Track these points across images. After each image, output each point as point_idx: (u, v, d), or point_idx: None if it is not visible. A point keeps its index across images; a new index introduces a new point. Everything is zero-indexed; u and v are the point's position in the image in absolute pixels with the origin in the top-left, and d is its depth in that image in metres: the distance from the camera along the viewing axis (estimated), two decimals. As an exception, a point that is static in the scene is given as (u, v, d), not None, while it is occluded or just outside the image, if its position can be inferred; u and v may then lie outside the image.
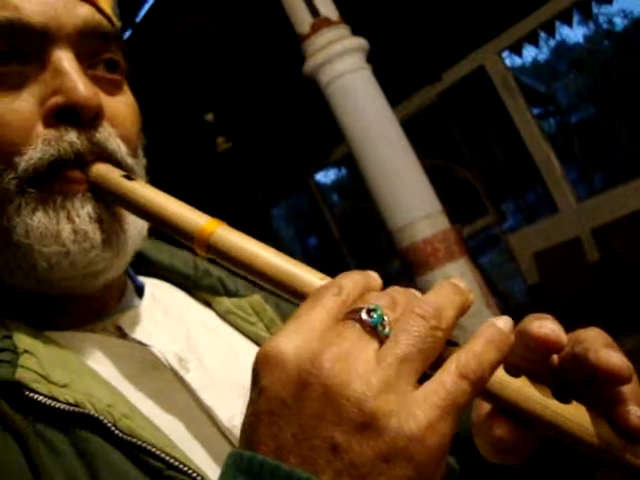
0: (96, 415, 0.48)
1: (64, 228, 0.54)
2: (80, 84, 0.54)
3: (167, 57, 5.24)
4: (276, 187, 9.30)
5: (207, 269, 0.74)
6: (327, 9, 3.73)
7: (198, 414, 0.58)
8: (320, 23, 3.69)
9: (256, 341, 0.69)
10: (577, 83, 10.30)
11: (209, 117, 6.95)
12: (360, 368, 0.36)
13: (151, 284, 0.71)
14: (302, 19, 3.73)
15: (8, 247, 0.54)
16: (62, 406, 0.48)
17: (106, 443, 0.48)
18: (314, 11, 3.69)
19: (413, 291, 0.43)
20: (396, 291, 0.42)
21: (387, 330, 0.38)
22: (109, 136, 0.57)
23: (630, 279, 5.29)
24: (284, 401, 0.37)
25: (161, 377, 0.59)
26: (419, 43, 6.40)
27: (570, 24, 6.96)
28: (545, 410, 0.41)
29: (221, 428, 0.57)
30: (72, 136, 0.54)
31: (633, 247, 5.62)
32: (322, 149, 7.95)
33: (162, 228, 0.55)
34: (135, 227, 0.60)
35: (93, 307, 0.62)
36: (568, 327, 0.45)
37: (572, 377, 0.44)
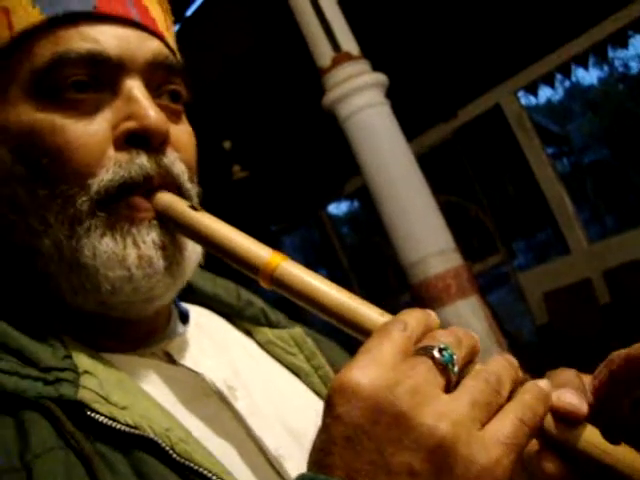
0: (155, 438, 0.50)
1: (130, 253, 0.56)
2: (151, 110, 0.57)
3: (186, 83, 5.28)
4: (289, 217, 9.34)
5: (250, 299, 0.76)
6: (348, 44, 3.79)
7: (247, 442, 0.59)
8: (341, 57, 3.74)
9: (295, 372, 0.71)
10: (591, 124, 10.36)
11: (227, 145, 7.02)
12: (435, 401, 0.39)
13: (195, 311, 0.73)
14: (323, 52, 3.78)
15: (75, 267, 0.56)
16: (122, 427, 0.50)
17: (163, 466, 0.50)
18: (335, 45, 3.74)
19: (474, 333, 0.46)
20: (460, 331, 0.45)
21: (456, 369, 0.42)
22: (174, 161, 0.60)
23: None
24: (361, 428, 0.39)
25: (211, 404, 0.61)
26: (436, 80, 6.47)
27: (586, 67, 7.02)
28: (599, 451, 0.43)
29: (268, 457, 0.59)
30: (142, 159, 0.57)
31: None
32: (336, 181, 7.99)
33: (226, 259, 0.56)
34: (193, 255, 0.61)
35: (143, 332, 0.64)
36: (579, 368, 0.48)
37: (614, 415, 0.46)
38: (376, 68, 3.86)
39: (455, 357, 0.42)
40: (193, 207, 0.58)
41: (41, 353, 0.53)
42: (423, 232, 3.68)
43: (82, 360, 0.54)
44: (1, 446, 0.47)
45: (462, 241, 5.42)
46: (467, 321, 3.60)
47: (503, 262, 7.89)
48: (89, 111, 0.56)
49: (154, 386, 0.59)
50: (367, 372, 0.40)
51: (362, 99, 3.68)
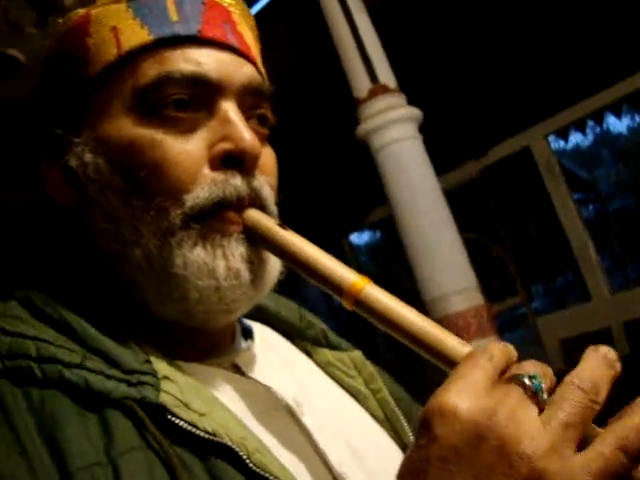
0: (233, 446, 0.51)
1: (219, 264, 0.58)
2: (246, 133, 0.59)
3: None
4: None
5: (311, 321, 0.79)
6: (386, 76, 3.82)
7: (314, 457, 0.61)
8: (378, 89, 3.78)
9: (354, 394, 0.72)
10: (619, 173, 10.32)
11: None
12: (529, 428, 0.40)
13: (258, 328, 0.75)
14: (361, 83, 3.82)
15: (164, 277, 0.59)
16: (201, 434, 0.52)
17: (239, 474, 0.51)
18: (373, 77, 3.77)
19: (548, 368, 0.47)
20: (538, 363, 0.47)
21: (545, 396, 0.43)
22: (263, 184, 0.62)
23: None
24: (458, 450, 0.40)
25: (281, 418, 0.63)
26: (469, 118, 6.49)
27: (619, 115, 7.02)
28: None
29: (333, 473, 0.60)
30: (237, 180, 0.60)
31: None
32: (359, 211, 8.01)
33: (310, 277, 0.58)
34: (274, 271, 0.64)
35: (214, 343, 0.67)
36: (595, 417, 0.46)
37: None
38: (411, 101, 3.88)
39: (543, 385, 0.44)
40: (281, 225, 0.61)
41: (123, 356, 0.55)
42: (446, 268, 3.67)
43: (161, 366, 0.57)
44: (89, 441, 0.49)
45: (482, 280, 5.40)
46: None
47: (522, 304, 7.81)
48: (187, 129, 0.59)
49: (227, 396, 0.61)
50: (464, 397, 0.42)
51: (396, 132, 3.71)
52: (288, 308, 0.79)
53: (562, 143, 7.51)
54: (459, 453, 0.40)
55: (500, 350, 0.47)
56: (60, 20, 0.63)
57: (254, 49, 0.66)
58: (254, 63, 0.65)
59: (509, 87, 6.14)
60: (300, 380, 0.69)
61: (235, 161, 0.59)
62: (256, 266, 0.60)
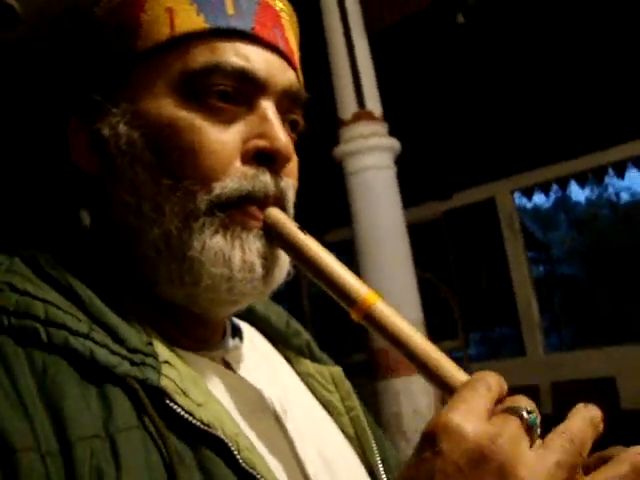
0: (226, 440, 0.52)
1: (235, 255, 0.59)
2: (282, 134, 0.61)
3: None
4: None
5: (298, 329, 0.79)
6: (373, 103, 3.88)
7: (293, 464, 0.62)
8: (363, 114, 3.83)
9: (329, 408, 0.73)
10: (573, 240, 10.63)
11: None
12: (527, 458, 0.44)
13: (246, 329, 0.75)
14: (347, 105, 3.86)
15: (179, 258, 0.59)
16: (196, 423, 0.52)
17: (228, 469, 0.52)
18: (361, 102, 3.83)
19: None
20: (532, 401, 0.49)
21: (539, 431, 0.47)
22: (290, 186, 0.64)
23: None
24: (461, 467, 0.43)
25: (266, 420, 0.63)
26: (442, 158, 6.62)
27: (583, 186, 7.26)
28: None
29: None
30: (266, 177, 0.61)
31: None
32: (317, 230, 8.04)
33: (324, 284, 0.60)
34: (283, 272, 0.64)
35: (208, 335, 0.67)
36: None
37: None
38: (391, 132, 3.95)
39: (538, 421, 0.47)
40: (301, 229, 0.62)
41: (128, 334, 0.55)
42: (397, 299, 3.71)
43: (161, 349, 0.57)
44: (89, 412, 0.49)
45: (426, 318, 5.47)
46: (417, 396, 3.62)
47: (459, 348, 7.95)
48: (225, 120, 0.60)
49: (219, 391, 0.61)
50: (470, 419, 0.45)
51: (373, 159, 3.76)
52: (276, 314, 0.80)
53: (525, 201, 7.70)
54: (461, 470, 0.43)
55: (496, 381, 0.49)
56: None
57: (296, 55, 0.68)
58: (295, 69, 0.67)
59: (486, 138, 6.29)
60: (283, 386, 0.70)
61: (267, 158, 0.60)
62: (269, 263, 0.61)
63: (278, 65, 0.63)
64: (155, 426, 0.50)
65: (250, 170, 0.60)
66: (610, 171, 6.93)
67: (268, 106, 0.62)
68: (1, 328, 0.51)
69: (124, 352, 0.53)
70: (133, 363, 0.52)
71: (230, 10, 0.61)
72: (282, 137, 0.60)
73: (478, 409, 0.46)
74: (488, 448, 0.43)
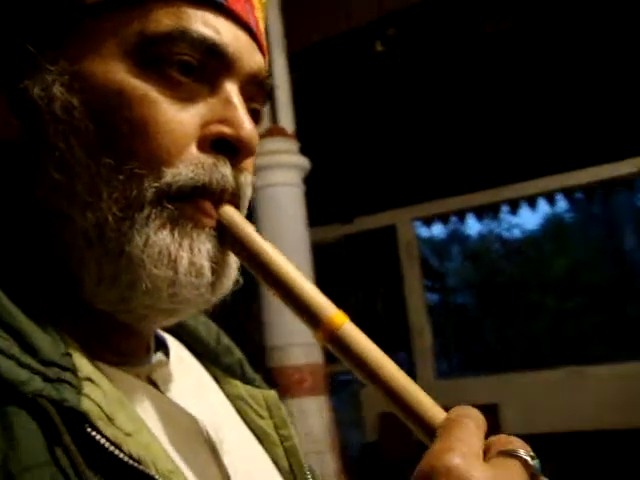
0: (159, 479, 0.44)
1: (182, 256, 0.50)
2: (248, 122, 0.53)
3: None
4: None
5: (229, 347, 0.70)
6: (286, 121, 3.89)
7: None
8: (275, 130, 3.83)
9: (260, 436, 0.65)
10: (467, 271, 11.04)
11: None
12: None
13: (172, 342, 0.65)
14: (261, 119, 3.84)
15: (112, 253, 0.50)
16: (125, 458, 0.43)
17: None
18: (274, 117, 3.82)
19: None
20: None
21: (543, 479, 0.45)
22: (247, 182, 0.56)
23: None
24: None
25: (203, 452, 0.55)
26: (348, 182, 6.71)
27: (480, 219, 7.57)
28: None
29: None
30: (227, 170, 0.52)
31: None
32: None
33: (283, 298, 0.52)
34: (232, 280, 0.56)
35: (133, 348, 0.57)
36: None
37: None
38: (302, 150, 3.96)
39: (539, 466, 0.45)
40: (259, 233, 0.54)
41: (41, 341, 0.44)
42: (295, 320, 3.69)
43: (82, 363, 0.46)
44: None
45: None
46: (311, 418, 3.60)
47: (350, 371, 8.02)
48: (184, 98, 0.52)
49: (149, 416, 0.52)
50: (471, 462, 0.42)
51: (282, 176, 3.76)
52: (206, 328, 0.70)
53: (425, 230, 7.92)
54: None
55: (482, 418, 0.47)
56: None
57: (264, 39, 0.60)
58: (264, 54, 0.59)
59: (391, 167, 6.44)
60: (215, 411, 0.62)
61: (228, 148, 0.52)
62: (219, 268, 0.53)
63: (248, 45, 0.55)
64: (71, 462, 0.41)
65: (208, 159, 0.51)
66: (504, 208, 7.28)
67: (233, 89, 0.54)
68: None
69: (35, 365, 0.42)
70: (46, 379, 0.42)
71: None
72: (248, 125, 0.53)
73: (476, 450, 0.43)
74: None
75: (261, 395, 0.68)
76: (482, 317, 10.09)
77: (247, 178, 0.56)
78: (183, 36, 0.51)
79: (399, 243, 7.12)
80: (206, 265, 0.51)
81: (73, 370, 0.44)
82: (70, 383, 0.43)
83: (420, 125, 5.98)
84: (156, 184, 0.50)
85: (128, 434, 0.44)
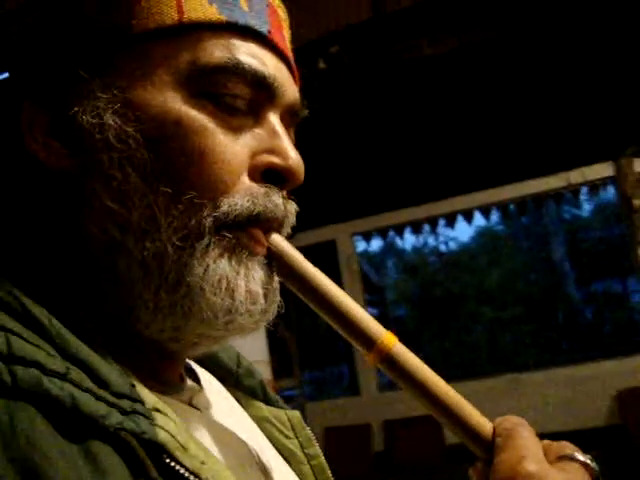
0: None
1: (240, 284, 0.51)
2: (295, 153, 0.54)
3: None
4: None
5: (250, 369, 0.70)
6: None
7: None
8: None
9: (287, 456, 0.64)
10: (405, 284, 11.24)
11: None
12: None
13: (199, 369, 0.65)
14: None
15: (173, 283, 0.49)
16: None
17: None
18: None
19: None
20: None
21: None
22: (292, 211, 0.57)
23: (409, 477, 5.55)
24: None
25: (255, 474, 0.56)
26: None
27: (420, 233, 7.75)
28: None
29: None
30: (278, 199, 0.54)
31: (416, 446, 5.97)
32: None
33: (336, 322, 0.53)
34: (277, 305, 0.56)
35: (172, 375, 0.57)
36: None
37: None
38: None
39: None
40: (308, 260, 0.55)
41: (109, 373, 0.43)
42: (248, 337, 3.71)
43: (144, 394, 0.46)
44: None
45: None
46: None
47: (295, 387, 8.04)
48: (235, 128, 0.52)
49: (208, 443, 0.52)
50: (545, 468, 0.46)
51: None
52: (227, 353, 0.70)
53: (364, 245, 8.05)
54: None
55: (529, 427, 0.50)
56: None
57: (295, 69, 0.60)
58: (298, 87, 0.60)
59: (327, 182, 6.52)
60: (251, 433, 0.62)
61: (277, 178, 0.54)
62: (269, 294, 0.53)
63: (287, 76, 0.56)
64: None
65: (260, 188, 0.52)
66: (441, 221, 7.48)
67: (276, 120, 0.55)
68: None
69: (110, 398, 0.42)
70: (123, 412, 0.41)
71: (244, 6, 0.54)
72: (295, 156, 0.54)
73: (542, 456, 0.47)
74: None
75: (285, 416, 0.69)
76: (421, 329, 10.29)
77: (292, 207, 0.57)
78: (236, 69, 0.51)
79: (339, 258, 7.20)
80: (260, 292, 0.52)
81: (141, 402, 0.44)
82: (144, 415, 0.43)
83: (358, 142, 6.09)
84: (215, 213, 0.50)
85: (203, 462, 0.44)
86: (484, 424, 0.51)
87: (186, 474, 0.42)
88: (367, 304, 7.72)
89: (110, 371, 0.43)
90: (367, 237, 7.68)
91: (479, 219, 7.47)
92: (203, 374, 0.65)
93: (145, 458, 0.41)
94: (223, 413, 0.60)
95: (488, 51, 4.58)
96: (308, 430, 0.69)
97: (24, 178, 0.52)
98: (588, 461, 0.48)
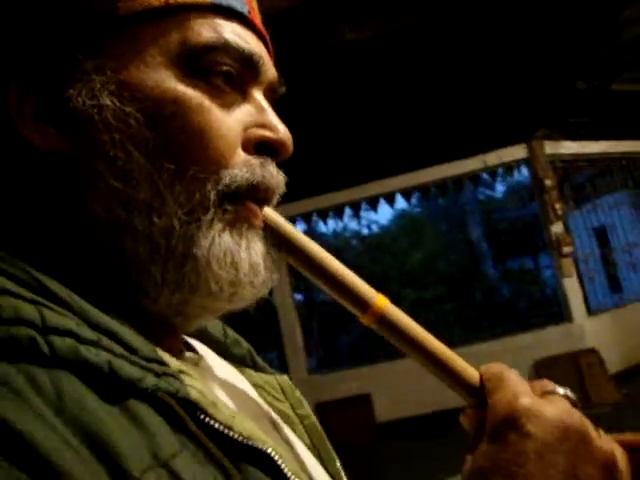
0: (272, 453, 0.47)
1: (243, 257, 0.52)
2: (283, 127, 0.57)
3: None
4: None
5: (237, 338, 0.71)
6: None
7: (320, 470, 0.62)
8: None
9: (283, 419, 0.66)
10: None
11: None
12: (589, 423, 0.51)
13: (193, 341, 0.66)
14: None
15: (180, 257, 0.51)
16: (239, 437, 0.45)
17: None
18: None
19: None
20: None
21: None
22: (282, 182, 0.59)
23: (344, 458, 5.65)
24: (551, 444, 0.48)
25: (270, 428, 0.59)
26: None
27: (342, 218, 7.87)
28: None
29: None
30: (273, 169, 0.56)
31: (347, 426, 6.11)
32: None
33: (332, 289, 0.56)
34: (274, 276, 0.57)
35: (175, 346, 0.58)
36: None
37: None
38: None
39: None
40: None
41: (135, 339, 0.45)
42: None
43: (167, 358, 0.47)
44: (134, 441, 0.39)
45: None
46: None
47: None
48: (227, 104, 0.54)
49: (224, 399, 0.54)
50: (537, 401, 0.50)
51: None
52: (213, 324, 0.70)
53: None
54: (551, 446, 0.48)
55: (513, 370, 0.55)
56: None
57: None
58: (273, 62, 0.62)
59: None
60: (253, 394, 0.65)
61: (268, 150, 0.55)
62: (268, 266, 0.55)
63: (266, 55, 0.59)
64: (204, 447, 0.43)
65: (255, 160, 0.54)
66: (364, 205, 7.62)
67: (260, 96, 0.57)
68: None
69: (142, 362, 0.43)
70: (156, 374, 0.43)
71: None
72: (284, 129, 0.56)
73: (531, 392, 0.52)
74: (569, 423, 0.49)
75: (275, 380, 0.71)
76: (345, 312, 10.46)
77: (282, 177, 0.59)
78: (224, 47, 0.53)
79: (266, 245, 7.24)
80: (261, 264, 0.54)
81: (167, 365, 0.45)
82: (173, 376, 0.44)
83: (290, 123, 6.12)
84: (218, 186, 0.51)
85: (232, 416, 0.46)
86: (472, 372, 0.56)
87: (220, 428, 0.44)
88: (292, 289, 7.78)
89: (135, 338, 0.45)
90: (292, 223, 7.70)
91: (401, 202, 7.63)
92: (199, 345, 0.67)
93: (184, 415, 0.43)
94: (228, 375, 0.63)
95: (407, 37, 4.70)
96: (297, 392, 0.71)
97: (17, 160, 0.53)
98: (568, 392, 0.54)
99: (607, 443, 0.51)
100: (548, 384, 0.54)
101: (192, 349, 0.64)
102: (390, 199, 7.53)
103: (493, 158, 6.96)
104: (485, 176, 7.63)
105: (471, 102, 5.85)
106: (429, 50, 4.95)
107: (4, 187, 0.54)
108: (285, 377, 0.72)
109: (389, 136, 6.16)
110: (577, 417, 0.50)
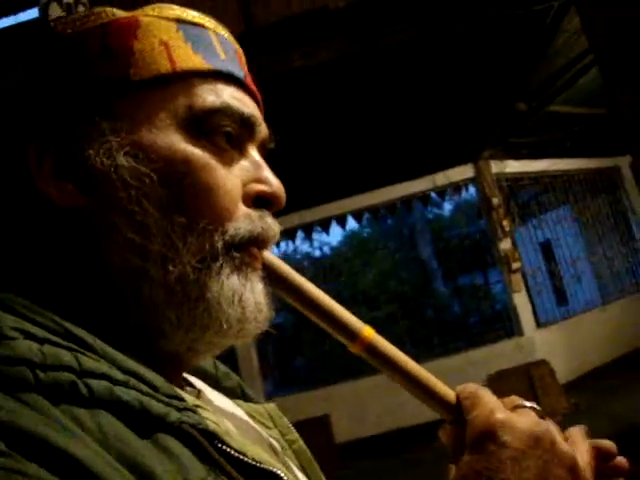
0: (281, 474, 0.52)
1: (249, 297, 0.58)
2: (277, 181, 0.63)
3: None
4: None
5: (227, 371, 0.76)
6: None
7: None
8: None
9: (271, 445, 0.69)
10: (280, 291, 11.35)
11: None
12: (557, 432, 0.57)
13: (189, 376, 0.70)
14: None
15: (194, 300, 0.56)
16: (250, 461, 0.50)
17: None
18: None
19: None
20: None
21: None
22: (278, 230, 0.64)
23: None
24: (524, 451, 0.54)
25: (271, 455, 0.62)
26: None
27: (293, 240, 7.91)
28: None
29: None
30: (270, 220, 0.61)
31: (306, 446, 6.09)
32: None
33: (324, 322, 0.62)
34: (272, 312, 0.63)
35: (179, 380, 0.64)
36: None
37: None
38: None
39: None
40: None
41: (154, 379, 0.50)
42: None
43: (182, 394, 0.52)
44: (167, 468, 0.44)
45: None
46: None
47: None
48: (228, 162, 0.60)
49: (231, 429, 0.60)
50: (511, 415, 0.56)
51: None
52: None
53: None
54: (525, 453, 0.53)
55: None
56: (94, 11, 0.61)
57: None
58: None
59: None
60: (250, 423, 0.69)
61: (264, 203, 0.61)
62: (268, 304, 0.61)
63: (259, 115, 0.65)
64: (226, 472, 0.48)
65: (255, 213, 0.60)
66: (317, 226, 7.70)
67: (256, 152, 0.64)
68: (27, 386, 0.43)
69: (165, 399, 0.48)
70: (178, 409, 0.48)
71: (222, 55, 0.62)
72: (277, 183, 0.62)
73: (504, 407, 0.58)
74: (539, 432, 0.55)
75: (263, 409, 0.75)
76: (300, 334, 10.46)
77: (277, 225, 0.64)
78: (225, 111, 0.59)
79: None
80: (264, 302, 0.60)
81: (185, 400, 0.51)
82: (192, 410, 0.50)
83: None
84: (225, 237, 0.57)
85: (244, 443, 0.52)
86: (450, 392, 0.62)
87: (236, 454, 0.50)
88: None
89: (155, 377, 0.50)
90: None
91: (352, 223, 7.75)
92: (195, 380, 0.70)
93: (207, 445, 0.48)
94: (226, 406, 0.67)
95: (356, 64, 4.81)
96: (285, 419, 0.76)
97: (37, 214, 0.58)
98: (535, 405, 0.60)
99: (569, 446, 0.57)
100: (516, 399, 0.61)
101: (190, 383, 0.68)
102: (342, 220, 7.64)
103: (442, 178, 7.15)
104: (434, 195, 7.81)
105: (420, 126, 6.01)
106: (379, 76, 5.08)
107: (26, 240, 0.59)
108: (272, 405, 0.77)
109: (340, 159, 6.26)
110: (544, 426, 0.56)
